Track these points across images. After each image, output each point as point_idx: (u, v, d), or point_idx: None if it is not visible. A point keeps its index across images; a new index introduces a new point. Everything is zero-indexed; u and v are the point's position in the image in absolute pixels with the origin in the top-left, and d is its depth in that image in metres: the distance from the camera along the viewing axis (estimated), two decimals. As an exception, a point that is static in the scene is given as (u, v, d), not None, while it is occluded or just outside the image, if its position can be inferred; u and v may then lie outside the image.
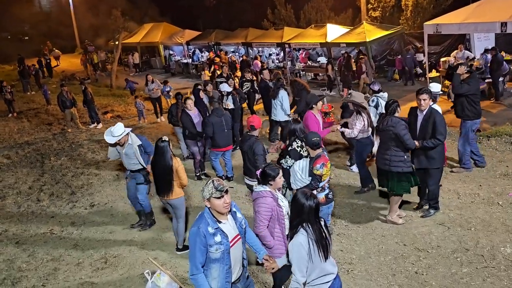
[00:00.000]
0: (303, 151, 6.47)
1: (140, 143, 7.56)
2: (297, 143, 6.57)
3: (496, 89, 14.09)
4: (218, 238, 4.03)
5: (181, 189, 6.85)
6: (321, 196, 6.06)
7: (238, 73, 16.41)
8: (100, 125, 15.88)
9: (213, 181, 4.06)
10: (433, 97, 7.65)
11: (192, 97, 10.51)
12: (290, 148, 6.61)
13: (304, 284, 4.03)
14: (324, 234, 4.07)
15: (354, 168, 9.41)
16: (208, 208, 4.10)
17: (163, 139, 6.69)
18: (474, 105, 8.57)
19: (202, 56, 27.10)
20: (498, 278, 5.66)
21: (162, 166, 6.60)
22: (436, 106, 7.63)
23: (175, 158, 6.74)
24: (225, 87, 11.68)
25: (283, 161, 6.56)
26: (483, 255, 6.18)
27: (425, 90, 6.97)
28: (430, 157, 7.00)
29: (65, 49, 41.40)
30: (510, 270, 5.79)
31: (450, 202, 7.82)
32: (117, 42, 27.15)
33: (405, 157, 6.83)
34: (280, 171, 5.02)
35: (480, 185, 8.34)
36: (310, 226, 4.02)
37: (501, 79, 14.23)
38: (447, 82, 15.95)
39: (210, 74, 19.81)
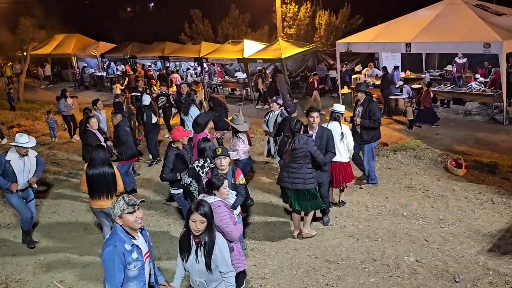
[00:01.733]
0: (201, 172, 6.36)
1: (36, 153, 7.57)
2: (198, 162, 6.47)
3: (387, 105, 15.03)
4: (134, 254, 3.92)
5: None
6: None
7: (158, 87, 16.08)
8: (4, 140, 14.94)
9: (123, 197, 3.94)
10: (337, 116, 7.92)
11: (96, 115, 10.36)
12: (190, 166, 6.61)
13: None
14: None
15: None
16: (120, 225, 3.96)
17: (100, 144, 6.65)
18: (375, 129, 8.94)
19: (117, 69, 26.45)
20: (402, 287, 5.92)
21: (103, 173, 6.61)
22: (345, 126, 7.89)
23: (113, 164, 6.87)
24: (147, 99, 11.51)
25: (183, 177, 6.60)
26: (388, 264, 6.45)
27: (315, 108, 7.42)
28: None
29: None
30: (413, 278, 6.09)
31: (359, 214, 8.13)
32: (25, 53, 25.86)
33: (313, 172, 7.02)
34: (225, 182, 5.08)
35: (387, 197, 8.75)
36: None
37: (405, 96, 15.14)
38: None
39: (122, 87, 19.30)
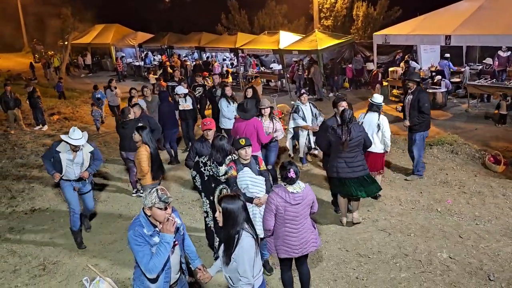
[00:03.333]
0: (203, 169, 6.20)
1: (92, 149, 7.28)
2: (204, 158, 6.29)
3: None
4: (156, 239, 3.98)
5: None
6: None
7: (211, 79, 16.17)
8: (45, 127, 15.39)
9: (157, 190, 3.96)
10: (376, 107, 7.93)
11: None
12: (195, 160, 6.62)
13: None
14: (254, 228, 4.16)
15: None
16: (145, 213, 4.03)
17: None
18: (426, 117, 8.87)
19: (154, 59, 26.81)
20: (434, 283, 5.84)
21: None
22: (383, 117, 7.91)
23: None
24: (181, 89, 11.62)
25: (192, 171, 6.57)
26: (420, 260, 6.36)
27: (343, 98, 7.77)
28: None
29: (11, 48, 39.97)
30: (446, 274, 5.99)
31: (392, 208, 8.02)
32: (66, 43, 26.47)
33: None
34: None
35: (421, 192, 8.60)
36: (249, 226, 4.07)
37: (443, 90, 14.81)
38: (395, 92, 16.46)
39: (156, 77, 19.53)
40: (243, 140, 5.93)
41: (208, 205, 6.30)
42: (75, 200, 7.25)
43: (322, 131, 7.61)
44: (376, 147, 7.92)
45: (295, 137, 10.06)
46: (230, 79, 16.68)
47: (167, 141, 11.10)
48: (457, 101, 15.48)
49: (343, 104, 7.45)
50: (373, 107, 7.96)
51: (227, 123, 10.59)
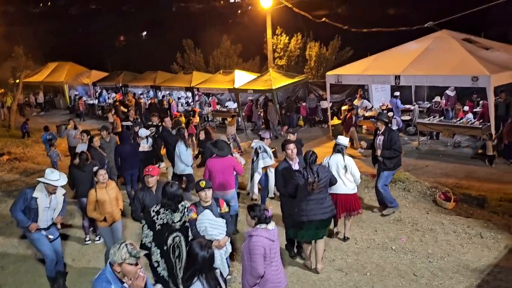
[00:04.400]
0: (156, 218, 5.96)
1: (65, 191, 7.01)
2: (155, 207, 6.05)
3: None
4: None
5: None
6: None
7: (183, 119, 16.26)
8: (-8, 169, 14.81)
9: (126, 245, 3.83)
10: (340, 148, 8.05)
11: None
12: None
13: None
14: (219, 285, 4.05)
15: None
16: (112, 270, 3.85)
17: None
18: (397, 157, 9.10)
19: (109, 97, 26.51)
20: (390, 324, 5.83)
21: None
22: (348, 157, 8.00)
23: None
24: (143, 132, 11.56)
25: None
26: (377, 300, 6.36)
27: (290, 140, 7.68)
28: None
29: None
30: (402, 315, 6.00)
31: (348, 247, 8.05)
32: (18, 81, 25.84)
33: None
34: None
35: (376, 231, 8.69)
36: (205, 276, 3.97)
37: (395, 127, 15.24)
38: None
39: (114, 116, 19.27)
40: (203, 183, 5.92)
41: (159, 255, 5.99)
42: (51, 250, 6.88)
43: (279, 176, 7.49)
44: (348, 188, 7.94)
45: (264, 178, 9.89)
46: (197, 119, 16.65)
47: (128, 182, 10.85)
48: (407, 139, 15.93)
49: (290, 147, 7.43)
50: (338, 148, 8.06)
51: (185, 168, 10.41)
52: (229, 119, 16.24)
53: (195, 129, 15.20)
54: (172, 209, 5.89)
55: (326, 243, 8.09)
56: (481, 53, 13.99)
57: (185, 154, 10.30)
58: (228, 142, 8.90)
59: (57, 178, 6.63)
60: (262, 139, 9.72)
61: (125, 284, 3.86)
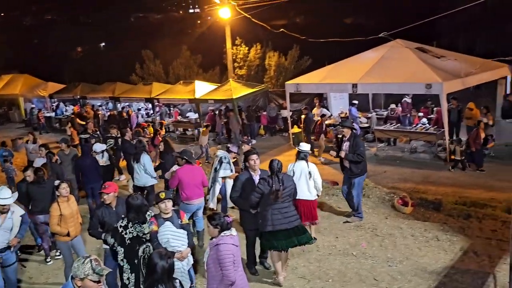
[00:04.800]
0: (124, 233, 5.82)
1: (23, 212, 6.74)
2: (122, 222, 5.91)
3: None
4: None
5: None
6: None
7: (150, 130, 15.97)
8: None
9: (91, 260, 3.78)
10: (303, 155, 8.23)
11: None
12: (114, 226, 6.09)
13: None
14: None
15: None
16: (74, 284, 3.79)
17: None
18: (363, 162, 9.33)
19: (66, 110, 25.96)
20: (352, 328, 5.94)
21: None
22: (311, 164, 8.26)
23: None
24: (99, 147, 11.45)
25: (106, 236, 6.13)
26: (339, 306, 6.47)
27: (254, 151, 7.42)
28: None
29: None
30: (363, 319, 6.12)
31: (310, 254, 8.16)
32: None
33: None
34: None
35: (337, 237, 8.84)
36: (164, 286, 4.00)
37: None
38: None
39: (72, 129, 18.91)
40: (163, 194, 5.89)
41: (129, 270, 5.80)
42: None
43: (239, 186, 7.27)
44: (311, 194, 8.17)
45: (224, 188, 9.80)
46: (163, 132, 16.56)
47: (89, 196, 10.66)
48: (366, 145, 16.24)
49: (253, 157, 7.25)
50: (301, 155, 8.25)
51: (148, 180, 10.30)
52: (202, 129, 16.17)
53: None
54: (140, 222, 5.83)
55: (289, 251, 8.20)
56: (433, 61, 14.47)
57: (150, 165, 10.24)
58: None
59: (7, 196, 6.37)
60: (229, 152, 9.68)
61: None
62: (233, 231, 5.16)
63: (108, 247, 6.33)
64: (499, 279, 6.96)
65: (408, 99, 17.02)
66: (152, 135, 15.41)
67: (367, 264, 7.69)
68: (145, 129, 17.06)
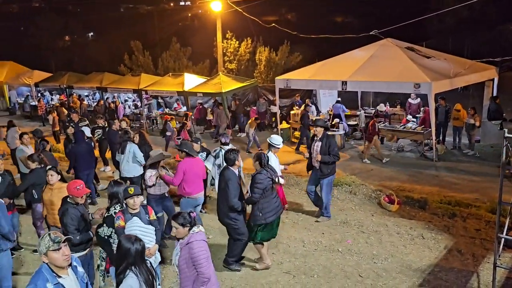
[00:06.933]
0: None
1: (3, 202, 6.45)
2: (115, 209, 6.03)
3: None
4: None
5: None
6: None
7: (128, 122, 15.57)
8: None
9: (49, 234, 3.86)
10: (273, 147, 8.70)
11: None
12: (107, 214, 6.06)
13: None
14: (151, 274, 4.21)
15: None
16: (46, 263, 3.85)
17: None
18: (333, 163, 9.31)
19: (52, 99, 25.66)
20: (337, 324, 5.96)
21: None
22: (271, 154, 8.57)
23: None
24: (87, 131, 11.35)
25: (99, 230, 6.00)
26: (324, 301, 6.48)
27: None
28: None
29: None
30: (348, 315, 6.14)
31: (296, 250, 8.16)
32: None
33: None
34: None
35: (323, 233, 8.85)
36: (137, 268, 4.11)
37: (341, 132, 15.61)
38: (296, 134, 17.03)
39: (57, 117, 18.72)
40: (132, 189, 5.79)
41: None
42: None
43: (224, 182, 7.09)
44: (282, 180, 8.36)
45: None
46: (189, 124, 16.30)
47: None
48: (354, 143, 16.34)
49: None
50: (272, 148, 8.69)
51: (136, 170, 10.16)
52: (250, 121, 16.37)
53: (188, 135, 14.22)
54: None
55: (274, 245, 8.22)
56: (423, 61, 14.55)
57: (139, 153, 10.12)
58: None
59: None
60: (225, 144, 9.56)
61: (60, 280, 3.87)
62: (201, 227, 5.07)
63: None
64: (482, 278, 7.04)
65: (412, 100, 16.99)
66: (177, 128, 14.97)
67: (352, 261, 7.72)
68: (168, 122, 16.58)
